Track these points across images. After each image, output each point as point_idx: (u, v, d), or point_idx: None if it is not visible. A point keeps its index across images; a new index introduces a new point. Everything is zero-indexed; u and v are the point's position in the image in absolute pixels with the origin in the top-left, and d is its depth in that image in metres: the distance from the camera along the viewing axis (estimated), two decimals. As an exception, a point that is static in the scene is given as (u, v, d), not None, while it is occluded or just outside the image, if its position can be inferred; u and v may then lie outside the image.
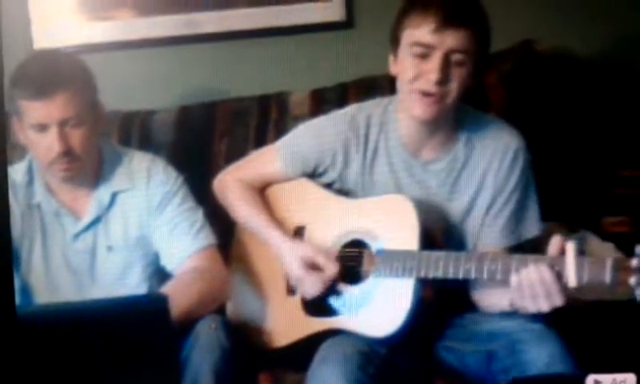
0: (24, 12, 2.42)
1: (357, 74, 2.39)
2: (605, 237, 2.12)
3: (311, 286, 1.89)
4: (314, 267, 1.89)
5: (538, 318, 1.75)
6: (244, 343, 1.91)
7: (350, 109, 1.98)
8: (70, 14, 2.43)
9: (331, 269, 1.88)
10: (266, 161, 2.04)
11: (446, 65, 1.76)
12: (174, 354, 1.73)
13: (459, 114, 1.88)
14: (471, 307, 1.88)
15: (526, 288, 1.67)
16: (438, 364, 1.87)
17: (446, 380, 1.84)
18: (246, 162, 2.09)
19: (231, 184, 2.05)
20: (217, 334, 1.80)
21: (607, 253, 2.04)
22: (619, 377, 1.65)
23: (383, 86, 2.28)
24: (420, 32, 1.77)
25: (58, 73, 1.88)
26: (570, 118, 2.28)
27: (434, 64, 1.77)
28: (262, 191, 2.04)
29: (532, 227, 1.88)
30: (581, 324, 1.90)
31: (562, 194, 2.10)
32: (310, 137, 1.98)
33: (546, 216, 1.91)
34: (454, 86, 1.78)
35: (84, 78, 1.93)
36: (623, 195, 2.23)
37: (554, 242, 1.67)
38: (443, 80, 1.77)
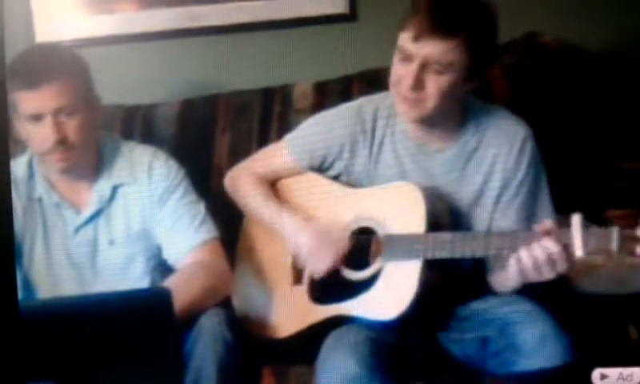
0: (26, 6, 2.41)
1: (360, 66, 2.38)
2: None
3: (322, 260, 1.90)
4: (323, 243, 1.90)
5: (529, 299, 1.78)
6: (248, 336, 1.91)
7: (358, 102, 2.00)
8: (72, 8, 2.43)
9: (343, 242, 1.89)
10: (276, 154, 2.06)
11: (422, 72, 1.76)
12: (177, 347, 1.72)
13: (466, 105, 1.89)
14: (474, 296, 1.88)
15: (528, 261, 1.68)
16: (444, 355, 1.88)
17: (452, 372, 1.84)
18: (257, 157, 2.11)
19: (242, 177, 2.06)
20: (220, 327, 1.80)
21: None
22: (626, 371, 1.64)
23: (387, 78, 2.27)
24: (403, 37, 1.78)
25: (50, 63, 1.89)
26: (574, 110, 2.27)
27: (410, 70, 1.77)
28: (271, 186, 2.05)
29: (544, 216, 1.85)
30: (588, 318, 1.90)
31: (566, 187, 2.09)
32: (317, 129, 1.99)
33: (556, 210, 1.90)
34: (431, 92, 1.78)
35: (77, 68, 1.93)
36: (626, 188, 2.22)
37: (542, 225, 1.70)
38: (416, 86, 1.77)
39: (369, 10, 2.46)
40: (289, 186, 2.04)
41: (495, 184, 1.87)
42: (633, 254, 1.62)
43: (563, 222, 1.70)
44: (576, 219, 1.66)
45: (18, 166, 1.98)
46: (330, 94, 2.32)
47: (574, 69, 2.32)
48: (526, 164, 1.86)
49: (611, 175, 2.24)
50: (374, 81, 2.26)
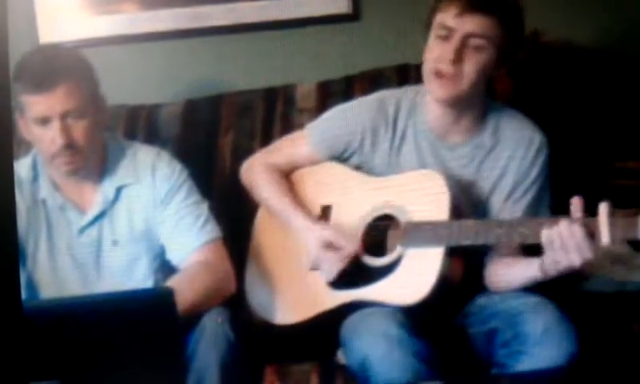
0: (30, 7, 2.42)
1: (363, 66, 2.38)
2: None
3: (330, 266, 1.90)
4: (333, 247, 1.90)
5: (535, 291, 1.78)
6: (251, 335, 1.90)
7: (380, 94, 2.02)
8: (75, 9, 2.43)
9: (351, 246, 1.89)
10: (296, 144, 2.08)
11: (463, 47, 1.81)
12: (180, 347, 1.73)
13: (486, 105, 1.93)
14: (480, 291, 1.89)
15: (557, 242, 1.67)
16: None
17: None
18: (276, 147, 2.13)
19: (258, 167, 2.08)
20: (223, 327, 1.79)
21: (616, 248, 2.04)
22: None
23: (389, 78, 2.29)
24: (445, 15, 1.83)
25: (58, 66, 1.88)
26: (576, 109, 2.28)
27: (451, 45, 1.81)
28: (288, 175, 2.07)
29: None
30: (593, 315, 1.90)
31: (569, 185, 2.09)
32: (339, 120, 2.02)
33: (554, 208, 1.91)
34: (469, 69, 1.82)
35: (84, 71, 1.93)
36: (628, 187, 2.22)
37: (575, 201, 1.68)
38: (457, 60, 1.81)
39: (372, 10, 2.47)
40: (306, 175, 2.06)
41: (508, 182, 1.90)
42: None
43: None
44: (603, 207, 1.65)
45: (22, 168, 1.98)
46: (332, 93, 2.33)
47: (576, 67, 2.32)
48: (538, 169, 1.90)
49: (612, 174, 2.24)
50: (377, 81, 2.27)
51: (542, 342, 1.70)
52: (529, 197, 1.90)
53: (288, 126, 2.25)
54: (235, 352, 1.77)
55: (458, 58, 1.81)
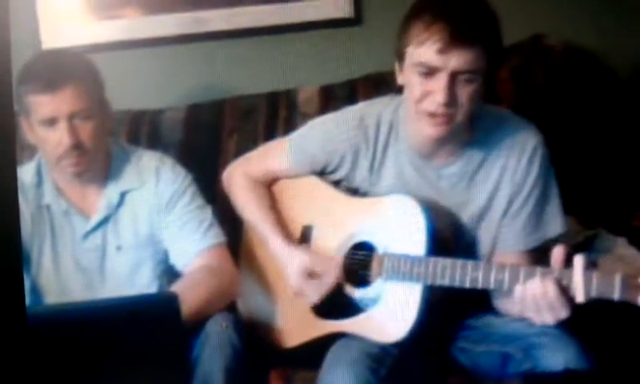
0: (32, 12, 2.42)
1: (365, 70, 2.39)
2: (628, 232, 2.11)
3: (312, 294, 1.87)
4: (313, 275, 1.87)
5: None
6: (255, 341, 1.90)
7: (360, 108, 1.94)
8: (77, 14, 2.43)
9: (331, 276, 1.85)
10: (276, 156, 2.03)
11: (453, 85, 1.68)
12: (185, 352, 1.72)
13: (475, 113, 1.79)
14: (484, 309, 1.84)
15: (530, 301, 1.61)
16: (451, 363, 1.84)
17: (458, 379, 1.81)
18: (256, 156, 2.08)
19: (239, 179, 2.04)
20: (227, 332, 1.79)
21: (620, 249, 2.03)
22: None
23: (392, 82, 2.24)
24: (423, 51, 1.68)
25: (66, 67, 1.89)
26: (580, 113, 2.27)
27: (439, 84, 1.68)
28: (270, 186, 2.03)
29: (554, 226, 1.81)
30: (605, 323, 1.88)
31: (576, 189, 2.08)
32: (318, 137, 1.95)
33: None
34: (463, 104, 1.69)
35: (91, 73, 1.93)
36: None
37: (556, 254, 1.61)
38: (450, 101, 1.68)
39: (374, 14, 2.47)
40: (288, 188, 2.02)
41: (503, 196, 1.80)
42: (635, 302, 1.52)
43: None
44: (578, 261, 1.57)
45: (26, 173, 1.98)
46: (335, 97, 2.33)
47: (579, 71, 2.32)
48: (535, 174, 1.79)
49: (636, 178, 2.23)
50: (379, 85, 2.27)
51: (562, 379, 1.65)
52: (529, 206, 1.79)
53: (291, 130, 2.22)
54: (240, 357, 1.77)
55: (452, 99, 1.68)
